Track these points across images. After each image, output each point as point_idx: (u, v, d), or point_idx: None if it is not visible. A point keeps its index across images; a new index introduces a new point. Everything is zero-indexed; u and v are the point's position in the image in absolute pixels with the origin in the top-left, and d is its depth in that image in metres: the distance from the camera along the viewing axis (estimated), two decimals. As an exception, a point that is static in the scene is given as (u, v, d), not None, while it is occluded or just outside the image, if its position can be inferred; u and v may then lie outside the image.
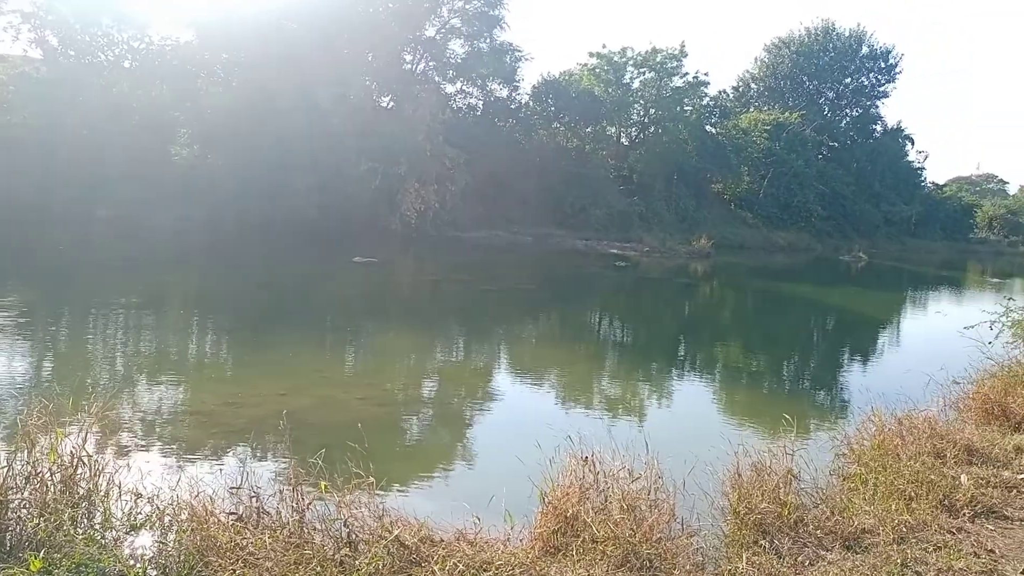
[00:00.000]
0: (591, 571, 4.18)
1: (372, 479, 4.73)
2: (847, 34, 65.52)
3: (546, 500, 4.84)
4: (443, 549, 4.28)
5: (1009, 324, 9.35)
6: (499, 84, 46.85)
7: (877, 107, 68.43)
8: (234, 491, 4.70)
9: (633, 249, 38.32)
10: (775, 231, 51.02)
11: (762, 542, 4.72)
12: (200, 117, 35.13)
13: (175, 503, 4.53)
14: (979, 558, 4.64)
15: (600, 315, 20.75)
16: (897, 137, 68.95)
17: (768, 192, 53.16)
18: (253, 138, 32.19)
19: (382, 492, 5.28)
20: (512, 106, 48.24)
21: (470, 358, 13.65)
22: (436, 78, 44.11)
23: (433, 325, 16.27)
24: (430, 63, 43.88)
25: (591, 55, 52.53)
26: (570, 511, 4.72)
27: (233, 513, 4.48)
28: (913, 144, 70.02)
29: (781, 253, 46.79)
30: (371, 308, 17.82)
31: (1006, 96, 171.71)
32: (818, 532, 4.91)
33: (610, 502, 4.87)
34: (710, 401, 11.40)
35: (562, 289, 25.14)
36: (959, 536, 4.96)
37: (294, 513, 4.42)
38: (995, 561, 4.63)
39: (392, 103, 41.04)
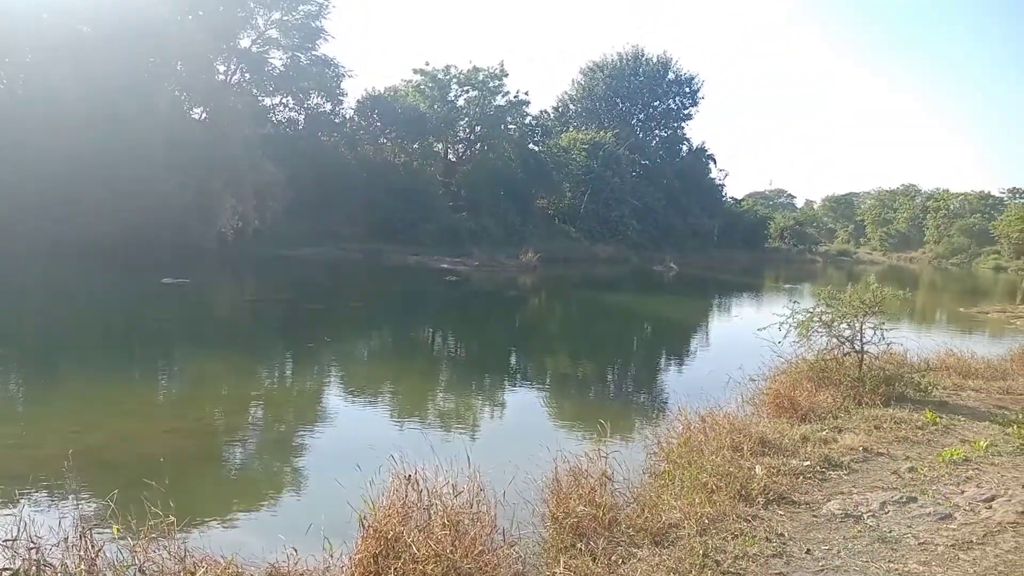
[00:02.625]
0: (410, 592, 4.10)
1: (173, 518, 4.39)
2: (655, 60, 70.47)
3: (366, 524, 4.71)
4: (253, 586, 4.04)
5: (795, 325, 10.34)
6: (322, 98, 45.73)
7: (683, 129, 74.25)
8: (9, 544, 4.27)
9: (464, 264, 38.66)
10: (596, 244, 53.47)
11: (579, 545, 4.87)
12: (-26, 126, 31.24)
13: (-70, 566, 3.96)
14: (770, 542, 5.07)
15: (431, 330, 20.69)
16: (701, 156, 75.02)
17: (588, 207, 55.70)
18: (41, 150, 28.99)
19: (186, 531, 4.90)
20: (336, 120, 47.22)
21: (291, 382, 13.10)
22: (253, 90, 42.29)
23: (252, 348, 15.43)
24: (246, 74, 42.00)
25: (415, 71, 52.69)
26: (391, 532, 4.62)
27: (7, 569, 4.08)
28: (715, 163, 76.41)
29: (602, 265, 49.12)
30: (182, 333, 16.58)
31: (794, 119, 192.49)
32: (630, 531, 5.14)
33: (433, 519, 4.83)
34: (534, 410, 11.66)
35: (393, 305, 24.84)
36: (754, 523, 5.39)
37: (81, 563, 4.05)
38: (784, 544, 5.07)
39: (205, 115, 38.77)
